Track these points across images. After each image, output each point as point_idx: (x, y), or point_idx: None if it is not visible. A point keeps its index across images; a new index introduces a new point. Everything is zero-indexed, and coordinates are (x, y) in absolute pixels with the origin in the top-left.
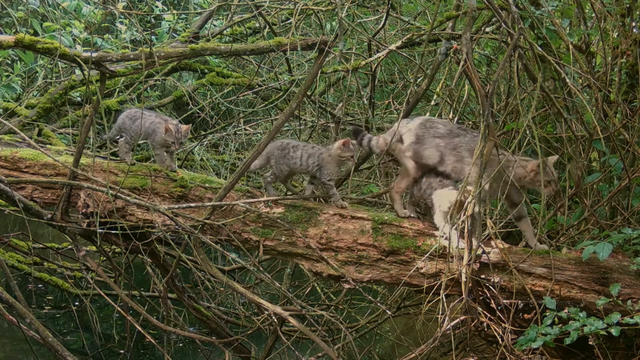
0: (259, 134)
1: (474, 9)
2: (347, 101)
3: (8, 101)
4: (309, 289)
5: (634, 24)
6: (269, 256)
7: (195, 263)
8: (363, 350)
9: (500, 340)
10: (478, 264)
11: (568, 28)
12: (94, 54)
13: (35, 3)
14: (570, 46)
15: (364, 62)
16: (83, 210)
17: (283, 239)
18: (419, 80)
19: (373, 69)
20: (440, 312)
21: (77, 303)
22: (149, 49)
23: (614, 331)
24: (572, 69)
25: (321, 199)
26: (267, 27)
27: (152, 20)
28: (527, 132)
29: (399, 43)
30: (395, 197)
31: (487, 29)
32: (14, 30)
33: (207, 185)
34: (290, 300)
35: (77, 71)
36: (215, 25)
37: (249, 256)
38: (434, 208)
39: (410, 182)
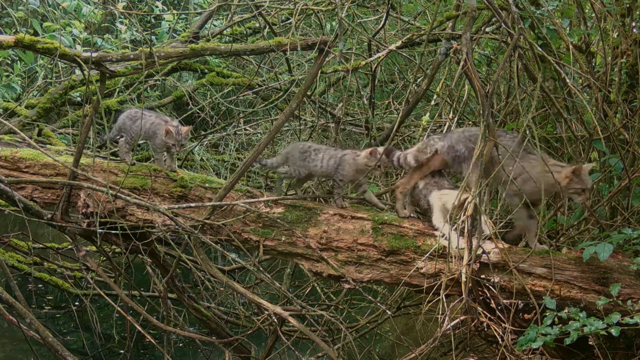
0: (259, 134)
1: (474, 9)
2: (347, 101)
3: (8, 101)
4: (309, 289)
5: (634, 24)
6: (269, 256)
7: (195, 263)
8: (363, 350)
9: (500, 340)
10: (478, 264)
11: (568, 28)
12: (94, 54)
13: (35, 3)
14: (570, 46)
15: (364, 62)
16: (83, 210)
17: (283, 239)
18: (419, 80)
19: (373, 69)
20: (440, 312)
21: (77, 303)
22: (149, 49)
23: (614, 331)
24: (572, 69)
25: (321, 199)
26: (267, 27)
27: (152, 20)
28: (527, 132)
29: (399, 43)
30: (398, 196)
31: (487, 29)
32: (14, 30)
33: (207, 185)
34: (290, 300)
35: (77, 71)
36: (215, 25)
37: (249, 256)
38: (431, 208)
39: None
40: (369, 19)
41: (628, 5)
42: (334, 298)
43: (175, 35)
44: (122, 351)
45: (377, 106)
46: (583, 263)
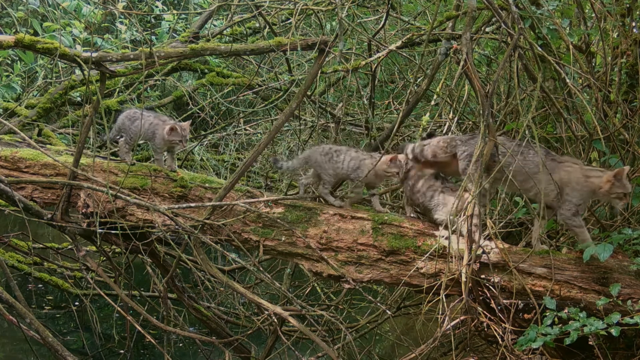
0: (259, 134)
1: (474, 9)
2: (347, 101)
3: (8, 101)
4: (309, 289)
5: (634, 24)
6: (269, 256)
7: (195, 263)
8: (363, 350)
9: (500, 340)
10: (478, 264)
11: (568, 28)
12: (94, 54)
13: (35, 3)
14: (570, 46)
15: (364, 62)
16: (83, 210)
17: (283, 239)
18: (419, 80)
19: (373, 69)
20: (440, 312)
21: (77, 303)
22: (149, 49)
23: (614, 331)
24: (572, 69)
25: (321, 199)
26: (267, 27)
27: (152, 20)
28: (527, 132)
29: (399, 43)
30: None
31: (487, 29)
32: (14, 30)
33: (207, 185)
34: (290, 300)
35: (77, 71)
36: (215, 25)
37: (249, 256)
38: (435, 209)
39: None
40: (369, 19)
41: (628, 5)
42: (334, 298)
43: (175, 35)
44: (122, 351)
45: (377, 106)
46: (583, 263)
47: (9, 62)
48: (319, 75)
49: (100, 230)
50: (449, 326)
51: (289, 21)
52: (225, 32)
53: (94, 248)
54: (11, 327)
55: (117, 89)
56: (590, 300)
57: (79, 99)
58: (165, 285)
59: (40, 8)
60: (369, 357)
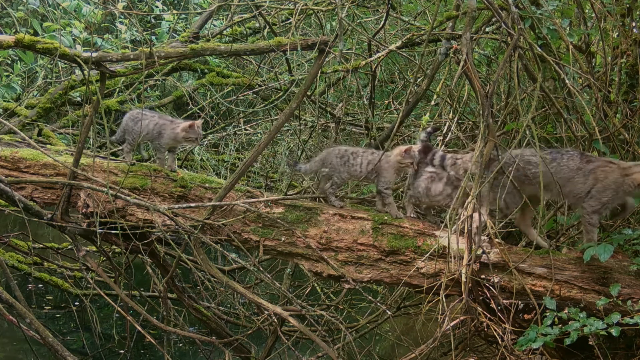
0: (259, 134)
1: (474, 9)
2: (347, 101)
3: (8, 101)
4: (309, 289)
5: (634, 24)
6: (269, 256)
7: (195, 263)
8: (363, 350)
9: (500, 340)
10: (478, 264)
11: (568, 28)
12: (94, 54)
13: (35, 3)
14: (570, 46)
15: (364, 62)
16: (83, 210)
17: (283, 239)
18: (419, 80)
19: (373, 69)
20: (440, 312)
21: (77, 303)
22: (149, 49)
23: (614, 331)
24: (572, 69)
25: (321, 199)
26: (267, 27)
27: (152, 20)
28: (527, 132)
29: (399, 43)
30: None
31: (487, 29)
32: (14, 30)
33: (207, 185)
34: (290, 300)
35: (77, 71)
36: (215, 25)
37: (249, 256)
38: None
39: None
40: (369, 19)
41: (628, 5)
42: (334, 298)
43: (175, 35)
44: (122, 351)
45: (377, 106)
46: (583, 263)
47: (9, 62)
48: (319, 75)
49: (100, 230)
50: (449, 326)
51: (289, 21)
52: (225, 32)
53: (94, 248)
54: (11, 327)
55: (117, 89)
56: (590, 300)
57: (79, 99)
58: (165, 285)
59: (40, 8)
60: (369, 357)
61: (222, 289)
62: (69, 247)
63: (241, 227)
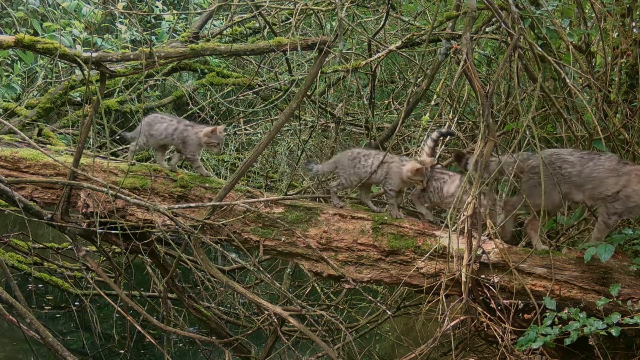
0: (259, 134)
1: (474, 9)
2: (347, 101)
3: (8, 101)
4: (309, 289)
5: (634, 24)
6: (269, 256)
7: (195, 263)
8: (363, 350)
9: (500, 340)
10: (478, 264)
11: (568, 28)
12: (94, 54)
13: (35, 3)
14: (570, 46)
15: (364, 62)
16: (83, 210)
17: (283, 239)
18: (419, 80)
19: (373, 69)
20: (440, 312)
21: (77, 303)
22: (149, 49)
23: (614, 331)
24: (572, 69)
25: (321, 199)
26: (267, 27)
27: (152, 20)
28: (527, 132)
29: (399, 43)
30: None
31: (487, 29)
32: (14, 30)
33: (207, 185)
34: (290, 300)
35: (77, 71)
36: (215, 25)
37: (249, 256)
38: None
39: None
40: (369, 19)
41: (628, 5)
42: (334, 298)
43: (175, 35)
44: (122, 351)
45: (377, 106)
46: (583, 263)
47: (9, 62)
48: (319, 75)
49: (100, 230)
50: (449, 326)
51: (289, 21)
52: (225, 32)
53: (94, 248)
54: (11, 327)
55: (117, 89)
56: (590, 300)
57: (79, 99)
58: (165, 285)
59: (40, 8)
60: (369, 357)
61: (222, 289)
62: (69, 247)
63: (241, 227)
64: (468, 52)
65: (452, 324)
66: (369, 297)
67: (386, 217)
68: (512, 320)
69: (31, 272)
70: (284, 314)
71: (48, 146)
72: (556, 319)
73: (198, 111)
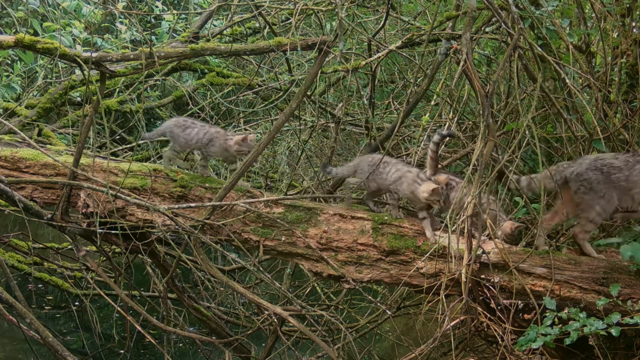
0: (259, 134)
1: (474, 9)
2: (347, 101)
3: (8, 101)
4: (309, 289)
5: (634, 24)
6: (269, 256)
7: (195, 263)
8: (363, 350)
9: (500, 340)
10: (478, 264)
11: (568, 28)
12: (94, 54)
13: (35, 3)
14: (570, 46)
15: (364, 62)
16: (83, 210)
17: (283, 239)
18: (419, 80)
19: (373, 69)
20: (440, 312)
21: (77, 303)
22: (149, 49)
23: (614, 331)
24: (572, 69)
25: (321, 199)
26: (267, 27)
27: (152, 20)
28: (527, 132)
29: (399, 43)
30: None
31: (487, 29)
32: (14, 30)
33: (207, 185)
34: (290, 300)
35: (77, 71)
36: (215, 25)
37: (249, 256)
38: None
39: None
40: (369, 19)
41: (628, 5)
42: (334, 298)
43: (175, 35)
44: (122, 351)
45: (377, 106)
46: (583, 263)
47: (9, 62)
48: (319, 75)
49: (100, 230)
50: (449, 326)
51: (289, 21)
52: (225, 32)
53: (94, 248)
54: (11, 327)
55: (117, 89)
56: (590, 300)
57: (79, 99)
58: (165, 285)
59: (40, 8)
60: (369, 357)
61: (222, 289)
62: (69, 247)
63: (241, 227)
64: (468, 52)
65: (452, 324)
66: (369, 297)
67: (386, 217)
68: (512, 320)
69: (31, 272)
70: (284, 314)
71: (48, 146)
72: (556, 319)
73: (198, 111)
